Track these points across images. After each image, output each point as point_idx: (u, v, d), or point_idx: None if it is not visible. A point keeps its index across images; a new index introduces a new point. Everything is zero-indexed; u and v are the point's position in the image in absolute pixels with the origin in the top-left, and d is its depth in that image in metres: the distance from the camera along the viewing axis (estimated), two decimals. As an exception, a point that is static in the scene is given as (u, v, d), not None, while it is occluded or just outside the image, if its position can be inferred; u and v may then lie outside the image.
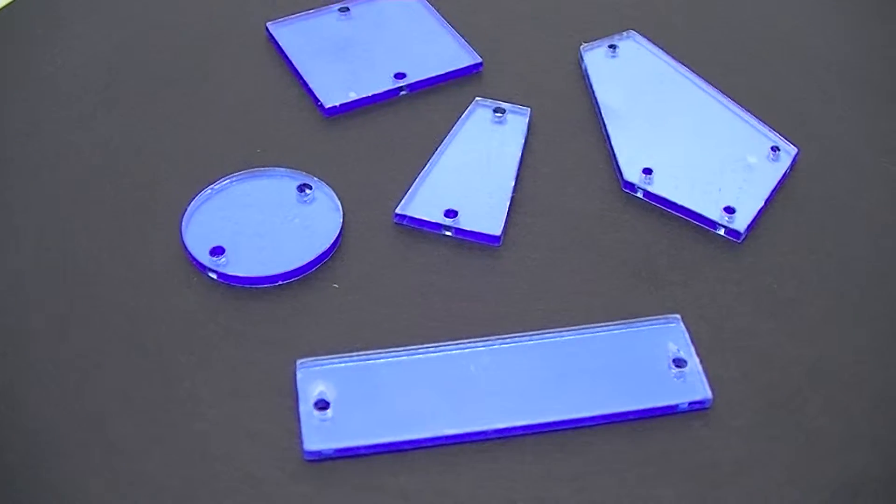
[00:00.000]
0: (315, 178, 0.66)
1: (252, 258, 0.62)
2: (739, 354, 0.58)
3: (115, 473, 0.54)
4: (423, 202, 0.65)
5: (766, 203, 0.64)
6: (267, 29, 0.75)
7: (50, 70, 0.73)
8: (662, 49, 0.73)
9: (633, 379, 0.57)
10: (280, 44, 0.74)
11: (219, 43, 0.75)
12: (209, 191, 0.65)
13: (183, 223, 0.64)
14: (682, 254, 0.63)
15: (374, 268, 0.63)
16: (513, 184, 0.65)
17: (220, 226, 0.64)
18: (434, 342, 0.59)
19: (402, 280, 0.62)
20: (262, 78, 0.73)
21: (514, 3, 0.78)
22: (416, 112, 0.71)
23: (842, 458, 0.54)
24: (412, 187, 0.65)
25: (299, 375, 0.57)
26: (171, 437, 0.55)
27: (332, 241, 0.63)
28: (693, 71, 0.72)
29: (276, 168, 0.67)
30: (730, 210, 0.64)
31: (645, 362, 0.58)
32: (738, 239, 0.63)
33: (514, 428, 0.55)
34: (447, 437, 0.55)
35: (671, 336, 0.59)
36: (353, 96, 0.70)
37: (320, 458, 0.54)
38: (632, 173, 0.66)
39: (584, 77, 0.72)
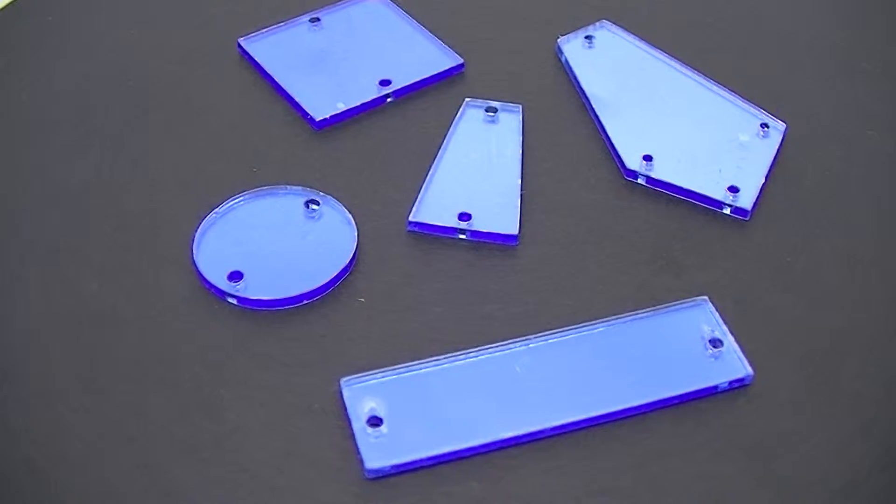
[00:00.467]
0: (320, 193, 0.65)
1: (271, 280, 0.61)
2: (768, 329, 0.60)
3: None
4: (435, 208, 0.64)
5: (766, 179, 0.66)
6: (239, 45, 0.74)
7: (18, 104, 0.71)
8: (635, 36, 0.74)
9: (672, 364, 0.58)
10: (256, 59, 0.73)
11: (191, 64, 0.74)
12: (213, 215, 0.64)
13: (194, 252, 0.62)
14: (694, 236, 0.64)
15: (395, 278, 0.62)
16: (520, 181, 0.66)
17: (232, 250, 0.63)
18: (471, 346, 0.59)
19: (426, 287, 0.62)
20: (243, 95, 0.72)
21: (483, 2, 0.78)
22: (406, 117, 0.70)
23: (886, 418, 0.56)
24: (420, 194, 0.65)
25: (346, 394, 0.56)
26: (230, 475, 0.54)
27: (352, 254, 0.62)
28: (670, 55, 0.73)
29: (278, 186, 0.65)
30: (734, 189, 0.65)
31: (681, 346, 0.59)
32: (746, 217, 0.65)
33: (569, 424, 0.55)
34: (505, 441, 0.55)
35: (702, 317, 0.60)
36: (341, 107, 0.70)
37: (382, 475, 0.54)
38: (633, 161, 0.67)
39: (566, 69, 0.73)
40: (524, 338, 0.59)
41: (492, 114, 0.69)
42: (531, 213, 0.65)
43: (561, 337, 0.59)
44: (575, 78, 0.72)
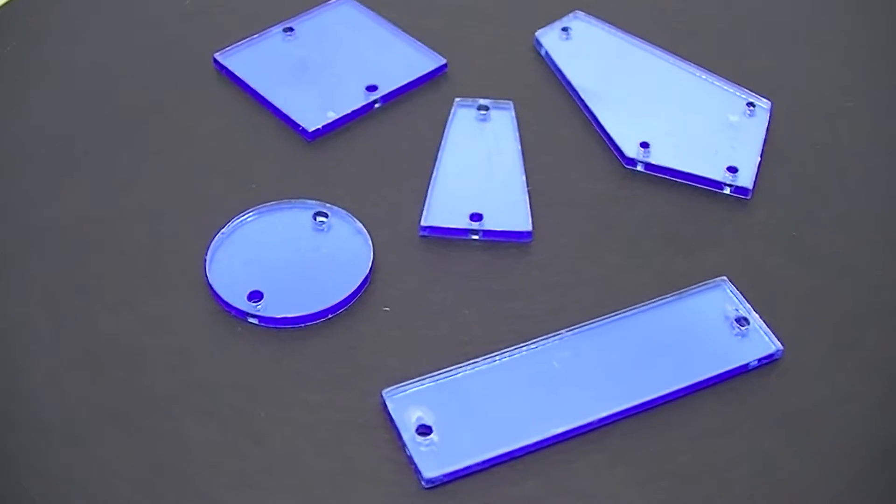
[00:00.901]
0: (326, 205, 0.64)
1: (292, 296, 0.60)
2: (787, 304, 0.61)
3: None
4: (445, 210, 0.64)
5: (761, 157, 0.68)
6: (215, 60, 0.72)
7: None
8: (609, 24, 0.75)
9: (702, 345, 0.59)
10: (235, 73, 0.71)
11: (168, 83, 0.72)
12: (220, 236, 0.63)
13: (207, 275, 0.61)
14: (700, 219, 0.65)
15: (414, 284, 0.62)
16: (524, 177, 0.66)
17: (246, 270, 0.61)
18: (502, 346, 0.59)
19: (447, 291, 0.61)
20: (226, 111, 0.70)
21: (452, 1, 0.78)
22: (398, 122, 0.70)
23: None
24: (427, 198, 0.65)
25: (390, 405, 0.56)
26: (287, 502, 0.53)
27: (370, 264, 0.61)
28: (646, 41, 0.74)
29: (283, 201, 0.64)
30: (732, 169, 0.66)
31: (708, 327, 0.60)
32: (747, 195, 0.66)
33: (615, 414, 0.56)
34: (555, 437, 0.55)
35: (724, 298, 0.61)
36: (332, 116, 0.69)
37: (438, 483, 0.54)
38: (630, 149, 0.67)
39: (548, 62, 0.73)
40: (556, 333, 0.59)
41: (484, 112, 0.69)
42: (538, 209, 0.65)
43: (591, 328, 0.59)
44: (558, 70, 0.72)
